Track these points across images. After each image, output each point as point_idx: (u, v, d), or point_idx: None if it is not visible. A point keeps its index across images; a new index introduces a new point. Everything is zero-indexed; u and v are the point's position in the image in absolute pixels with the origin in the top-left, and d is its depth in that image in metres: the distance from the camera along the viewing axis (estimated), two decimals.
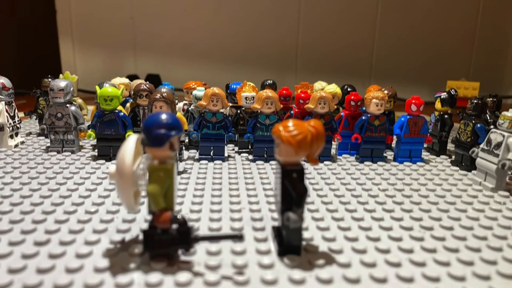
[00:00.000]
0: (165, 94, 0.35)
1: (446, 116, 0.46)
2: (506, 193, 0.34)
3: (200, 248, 0.22)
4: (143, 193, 0.21)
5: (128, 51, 1.13)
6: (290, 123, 0.22)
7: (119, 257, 0.22)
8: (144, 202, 0.26)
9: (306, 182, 0.25)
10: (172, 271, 0.20)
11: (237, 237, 0.21)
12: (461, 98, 0.82)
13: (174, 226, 0.21)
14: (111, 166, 0.21)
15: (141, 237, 0.23)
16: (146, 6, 1.11)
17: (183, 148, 0.41)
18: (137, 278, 0.20)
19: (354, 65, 1.24)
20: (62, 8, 1.08)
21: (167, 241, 0.21)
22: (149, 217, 0.21)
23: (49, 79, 0.49)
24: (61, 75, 0.49)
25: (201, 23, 1.14)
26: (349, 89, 0.52)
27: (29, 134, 0.51)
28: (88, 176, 0.35)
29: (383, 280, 0.20)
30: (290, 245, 0.22)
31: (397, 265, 0.22)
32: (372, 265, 0.22)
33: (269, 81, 0.54)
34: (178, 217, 0.21)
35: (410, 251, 0.23)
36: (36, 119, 0.50)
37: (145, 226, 0.25)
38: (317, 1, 1.16)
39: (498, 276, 0.21)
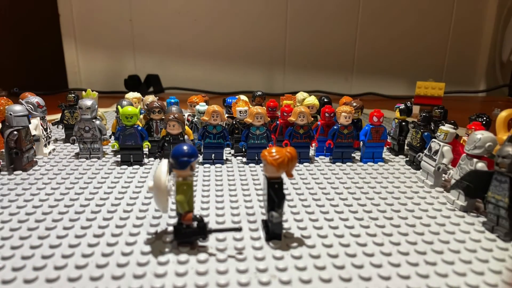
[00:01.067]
0: (177, 115, 0.43)
1: (403, 123, 0.56)
2: (441, 189, 0.43)
3: (212, 237, 0.32)
4: (172, 201, 0.30)
5: (128, 52, 1.20)
6: (273, 150, 0.31)
7: (156, 244, 0.31)
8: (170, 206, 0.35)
9: (284, 190, 0.35)
10: (194, 252, 0.29)
11: (237, 229, 0.31)
12: (428, 97, 0.92)
13: (195, 223, 0.30)
14: (149, 181, 0.30)
15: (169, 229, 0.33)
16: (143, 8, 1.17)
17: None
18: (171, 258, 0.29)
19: (337, 62, 1.33)
20: (64, 12, 1.14)
21: (190, 233, 0.30)
22: (173, 215, 0.30)
23: (73, 95, 0.57)
24: (83, 93, 0.57)
25: (196, 26, 1.21)
26: (325, 100, 0.61)
27: (56, 140, 0.59)
28: (117, 181, 0.43)
29: (335, 256, 0.30)
30: (274, 233, 0.31)
31: (347, 245, 0.31)
32: (330, 246, 0.31)
33: (258, 93, 0.63)
34: (197, 216, 0.30)
35: (357, 235, 0.33)
36: (62, 128, 0.58)
37: (170, 221, 0.34)
38: (303, 4, 1.23)
39: (417, 255, 0.31)
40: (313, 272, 0.27)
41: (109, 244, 0.30)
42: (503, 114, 0.41)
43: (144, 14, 1.18)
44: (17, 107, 0.45)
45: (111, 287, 0.25)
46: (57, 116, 0.60)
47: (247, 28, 1.24)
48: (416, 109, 0.93)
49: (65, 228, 0.33)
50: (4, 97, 0.50)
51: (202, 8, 1.20)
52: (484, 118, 0.48)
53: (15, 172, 0.45)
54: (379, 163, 0.52)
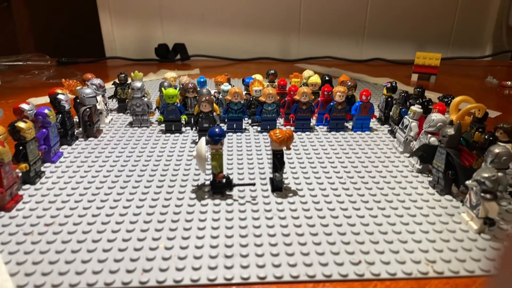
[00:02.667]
0: (207, 97, 0.56)
1: (389, 99, 0.67)
2: (407, 155, 0.56)
3: (235, 189, 0.46)
4: (209, 166, 0.44)
5: (156, 22, 1.30)
6: (277, 131, 0.44)
7: (199, 193, 0.45)
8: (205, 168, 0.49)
9: (288, 155, 0.48)
10: (224, 198, 0.44)
11: (252, 184, 0.45)
12: (426, 66, 1.01)
13: (224, 179, 0.44)
14: (194, 152, 0.44)
15: (206, 183, 0.47)
16: None
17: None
18: (209, 202, 0.43)
19: (349, 27, 1.39)
20: None
21: (220, 186, 0.44)
22: (208, 176, 0.44)
23: (123, 75, 0.70)
24: (132, 74, 0.71)
25: None
26: (326, 78, 0.72)
27: (111, 110, 0.73)
28: (165, 146, 0.58)
29: (317, 202, 0.44)
30: (277, 187, 0.45)
31: (327, 196, 0.45)
32: (315, 196, 0.45)
33: (271, 71, 0.74)
34: (225, 175, 0.44)
35: (335, 189, 0.46)
36: (116, 101, 0.72)
37: (207, 178, 0.48)
38: None
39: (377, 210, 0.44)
40: (301, 213, 0.41)
41: (167, 192, 0.45)
42: (457, 99, 0.51)
43: None
44: (88, 90, 0.59)
45: (174, 215, 0.40)
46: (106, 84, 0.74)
47: None
48: (414, 77, 1.03)
49: (139, 176, 0.48)
50: (75, 80, 0.63)
51: None
52: (450, 98, 0.58)
53: (89, 139, 0.60)
54: (366, 132, 0.64)
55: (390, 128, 0.65)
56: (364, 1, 1.35)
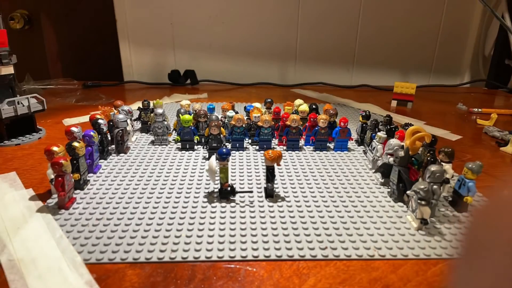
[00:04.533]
0: (216, 123, 0.70)
1: (364, 125, 0.80)
2: (374, 171, 0.69)
3: (237, 195, 0.59)
4: (217, 177, 0.58)
5: (169, 50, 1.45)
6: (270, 151, 0.57)
7: (210, 197, 0.58)
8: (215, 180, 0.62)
9: (280, 170, 0.62)
10: (229, 202, 0.57)
11: (250, 191, 0.58)
12: (403, 94, 1.15)
13: (229, 188, 0.57)
14: (206, 166, 0.57)
15: (215, 190, 0.60)
16: (182, 14, 1.41)
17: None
18: (218, 204, 0.56)
19: (340, 56, 1.54)
20: (120, 17, 1.40)
21: (227, 192, 0.57)
22: (217, 185, 0.57)
23: (146, 102, 0.84)
24: (154, 102, 0.85)
25: (223, 27, 1.45)
26: (313, 107, 0.86)
27: (135, 131, 0.87)
28: (181, 161, 0.71)
29: (299, 206, 0.56)
30: (269, 194, 0.58)
31: (307, 202, 0.58)
32: (298, 201, 0.58)
33: (268, 100, 0.88)
34: (230, 184, 0.57)
35: (314, 196, 0.59)
36: (140, 123, 0.86)
37: (216, 186, 0.61)
38: (312, 8, 1.44)
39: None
40: (287, 213, 0.54)
41: (185, 197, 0.58)
42: (410, 128, 0.65)
43: (182, 18, 1.42)
44: (121, 116, 0.72)
45: (192, 213, 0.53)
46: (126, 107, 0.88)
47: (265, 28, 1.46)
48: (394, 103, 1.17)
49: (163, 184, 0.61)
50: (108, 107, 0.77)
51: (229, 12, 1.42)
52: (409, 125, 0.72)
53: (120, 154, 0.73)
54: (345, 152, 0.78)
55: (364, 149, 0.78)
56: (354, 32, 1.50)
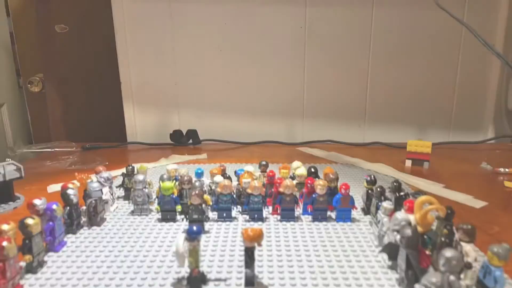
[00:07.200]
0: (197, 192, 0.62)
1: (369, 191, 0.71)
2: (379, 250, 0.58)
3: (211, 282, 0.49)
4: (187, 261, 0.49)
5: (173, 110, 1.43)
6: (249, 229, 0.48)
7: (178, 285, 0.49)
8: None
9: (268, 244, 0.52)
10: None
11: (225, 280, 0.48)
12: (418, 153, 1.05)
13: (199, 275, 0.48)
14: (173, 247, 0.49)
15: (185, 276, 0.51)
16: (186, 74, 1.41)
17: (209, 213, 0.69)
18: None
19: (350, 111, 1.48)
20: (125, 80, 1.41)
21: (197, 280, 0.48)
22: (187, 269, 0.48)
23: (130, 167, 0.79)
24: (138, 166, 0.79)
25: (227, 86, 1.43)
26: (312, 170, 0.78)
27: (118, 198, 0.80)
28: (158, 235, 0.63)
29: None
30: (249, 282, 0.49)
31: (293, 285, 0.48)
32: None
33: (263, 162, 0.80)
34: (200, 271, 0.48)
35: (305, 284, 0.49)
36: (123, 190, 0.80)
37: (185, 271, 0.52)
38: (318, 64, 1.41)
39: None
40: None
41: (149, 285, 0.49)
42: (420, 199, 0.55)
43: (186, 79, 1.41)
44: (95, 184, 0.66)
45: None
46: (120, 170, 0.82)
47: (270, 86, 1.43)
48: (408, 163, 1.07)
49: (125, 271, 0.52)
50: (86, 173, 0.72)
51: (233, 72, 1.41)
52: (419, 194, 0.62)
53: (92, 227, 0.66)
54: (348, 223, 0.67)
55: (370, 220, 0.68)
56: (364, 86, 1.45)
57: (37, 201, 0.57)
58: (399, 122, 1.50)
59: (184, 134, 1.36)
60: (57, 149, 1.17)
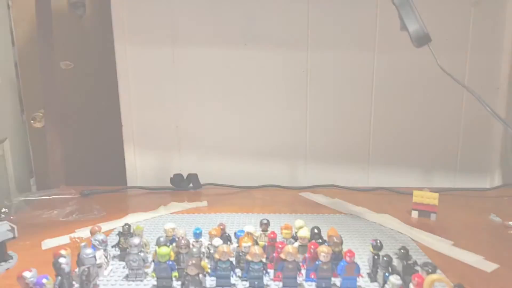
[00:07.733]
0: (194, 261, 0.60)
1: (375, 256, 0.68)
2: None
3: None
4: None
5: (175, 153, 1.42)
6: None
7: None
8: None
9: None
10: None
11: None
12: (425, 204, 1.02)
13: None
14: None
15: None
16: (187, 117, 1.41)
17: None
18: None
19: (355, 154, 1.46)
20: (126, 123, 1.40)
21: None
22: None
23: (126, 226, 0.76)
24: (133, 228, 0.76)
25: (229, 130, 1.42)
26: (316, 231, 0.75)
27: (113, 257, 0.77)
28: None
29: None
30: None
31: None
32: None
33: (264, 221, 0.78)
34: None
35: None
36: (118, 250, 0.77)
37: None
38: (321, 104, 1.41)
39: None
40: None
41: None
42: (430, 278, 0.52)
43: (187, 121, 1.41)
44: (88, 251, 0.64)
45: None
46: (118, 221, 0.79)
47: (272, 128, 1.42)
48: (415, 213, 1.04)
49: None
50: (80, 237, 0.69)
51: (236, 114, 1.41)
52: (429, 267, 0.59)
53: None
54: None
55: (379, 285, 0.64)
56: (367, 129, 1.44)
57: (27, 274, 0.55)
58: (404, 165, 1.47)
59: (185, 178, 1.34)
60: (54, 196, 1.15)
